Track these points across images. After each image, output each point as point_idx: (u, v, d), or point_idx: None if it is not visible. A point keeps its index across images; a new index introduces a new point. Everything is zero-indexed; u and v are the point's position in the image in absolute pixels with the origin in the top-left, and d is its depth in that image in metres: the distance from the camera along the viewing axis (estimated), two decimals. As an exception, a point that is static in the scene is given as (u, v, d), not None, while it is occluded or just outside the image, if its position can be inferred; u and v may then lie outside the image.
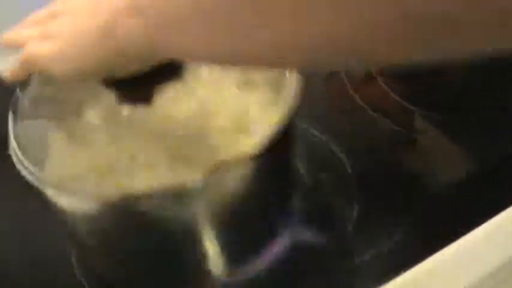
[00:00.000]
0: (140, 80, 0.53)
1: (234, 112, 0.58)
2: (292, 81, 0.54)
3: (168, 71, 0.54)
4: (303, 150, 0.66)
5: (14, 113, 0.58)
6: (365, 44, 0.34)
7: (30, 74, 0.58)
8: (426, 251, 0.58)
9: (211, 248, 0.57)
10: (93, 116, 0.62)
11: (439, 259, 0.58)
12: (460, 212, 0.64)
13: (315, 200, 0.66)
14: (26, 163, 0.54)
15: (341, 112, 0.78)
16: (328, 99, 0.80)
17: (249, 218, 0.57)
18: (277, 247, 0.61)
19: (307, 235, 0.63)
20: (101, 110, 0.62)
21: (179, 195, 0.51)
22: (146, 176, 0.56)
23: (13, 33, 0.57)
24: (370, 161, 0.71)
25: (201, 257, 0.58)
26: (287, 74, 0.55)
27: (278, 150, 0.54)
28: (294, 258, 0.61)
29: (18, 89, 0.60)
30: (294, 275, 0.61)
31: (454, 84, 0.79)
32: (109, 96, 0.57)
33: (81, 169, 0.58)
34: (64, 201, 0.55)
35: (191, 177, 0.51)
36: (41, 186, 0.53)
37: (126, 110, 0.60)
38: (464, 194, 0.66)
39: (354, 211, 0.64)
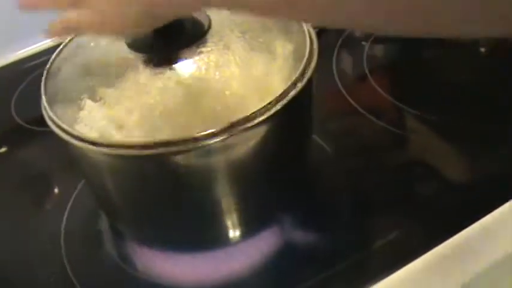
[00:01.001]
0: (164, 41, 0.58)
1: (254, 78, 0.61)
2: (308, 50, 0.59)
3: (190, 32, 0.59)
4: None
5: (48, 72, 0.62)
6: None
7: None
8: (420, 249, 0.59)
9: (227, 204, 0.59)
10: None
11: (431, 257, 0.59)
12: (453, 210, 0.64)
13: (308, 200, 0.67)
14: (56, 119, 0.57)
15: (333, 111, 0.80)
16: (320, 98, 0.80)
17: (263, 179, 0.59)
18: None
19: (301, 235, 0.64)
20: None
21: (198, 149, 0.53)
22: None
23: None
24: (362, 159, 0.72)
25: (217, 212, 0.59)
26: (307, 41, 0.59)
27: (294, 114, 0.58)
28: (289, 257, 0.62)
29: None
30: (289, 274, 0.61)
31: (447, 84, 0.81)
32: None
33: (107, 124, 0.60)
34: (91, 153, 0.56)
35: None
36: (71, 141, 0.55)
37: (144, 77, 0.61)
38: (457, 193, 0.66)
39: (346, 210, 0.65)
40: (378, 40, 0.91)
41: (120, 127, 0.60)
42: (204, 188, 0.57)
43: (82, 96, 0.61)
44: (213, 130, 0.52)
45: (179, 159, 0.54)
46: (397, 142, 0.74)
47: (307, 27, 0.60)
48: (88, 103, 0.61)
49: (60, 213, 0.70)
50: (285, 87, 0.55)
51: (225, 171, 0.56)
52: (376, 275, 0.58)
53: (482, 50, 0.87)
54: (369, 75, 0.84)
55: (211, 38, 0.61)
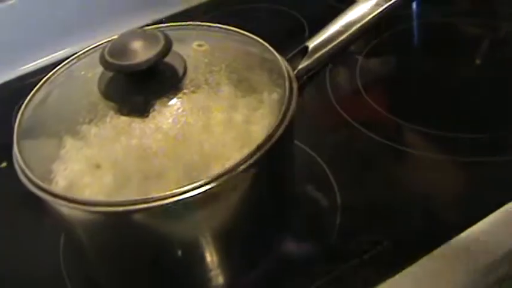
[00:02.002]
0: (139, 88, 0.57)
1: (236, 125, 0.61)
2: (288, 99, 0.59)
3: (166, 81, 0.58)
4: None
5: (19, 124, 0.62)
6: None
7: None
8: (409, 259, 0.60)
9: (210, 258, 0.59)
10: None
11: (420, 268, 0.60)
12: (444, 222, 0.65)
13: (300, 211, 0.68)
14: (29, 173, 0.57)
15: (326, 125, 0.81)
16: (314, 112, 0.81)
17: (246, 229, 0.59)
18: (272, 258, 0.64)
19: (295, 246, 0.65)
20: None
21: (177, 206, 0.53)
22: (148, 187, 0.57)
23: None
24: (355, 172, 0.73)
25: (199, 268, 0.60)
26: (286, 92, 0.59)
27: (274, 162, 0.58)
28: (282, 267, 0.63)
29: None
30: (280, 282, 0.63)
31: (441, 97, 0.82)
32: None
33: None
34: (65, 211, 0.56)
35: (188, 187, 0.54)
36: (42, 197, 0.55)
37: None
38: (450, 204, 0.68)
39: (337, 221, 0.66)
40: (371, 54, 0.92)
41: (97, 167, 0.60)
42: (179, 242, 0.57)
43: (60, 135, 0.61)
44: (184, 188, 0.53)
45: (146, 217, 0.54)
46: (391, 155, 0.75)
47: (290, 79, 0.61)
48: (68, 141, 0.62)
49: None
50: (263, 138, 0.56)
51: (202, 225, 0.57)
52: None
53: (478, 61, 0.89)
54: (362, 88, 0.85)
55: (189, 82, 0.62)
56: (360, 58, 0.92)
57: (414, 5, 1.01)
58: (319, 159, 0.73)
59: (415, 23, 1.01)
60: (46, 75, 0.68)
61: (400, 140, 0.76)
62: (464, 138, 0.74)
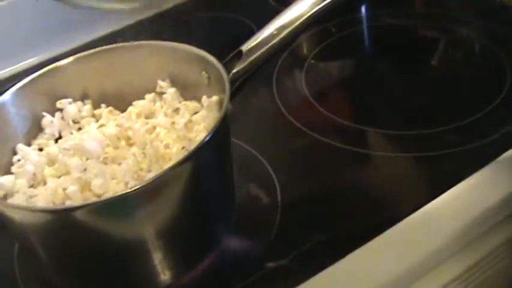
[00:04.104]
0: None
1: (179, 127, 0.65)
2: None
3: None
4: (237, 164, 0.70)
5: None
6: None
7: None
8: (347, 250, 0.62)
9: (153, 254, 0.61)
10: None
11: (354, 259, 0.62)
12: (382, 215, 0.67)
13: (242, 208, 0.70)
14: None
15: (271, 127, 0.84)
16: (259, 115, 0.84)
17: (187, 226, 0.62)
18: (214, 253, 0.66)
19: (237, 241, 0.67)
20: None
21: (119, 205, 0.56)
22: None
23: None
24: (297, 172, 0.75)
25: (144, 264, 0.62)
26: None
27: (212, 160, 0.61)
28: (224, 262, 0.66)
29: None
30: (222, 279, 0.65)
31: (387, 97, 0.85)
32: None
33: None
34: (15, 214, 0.58)
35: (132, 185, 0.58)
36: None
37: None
38: (390, 198, 0.70)
39: (277, 218, 0.68)
40: (319, 56, 0.95)
41: (52, 163, 0.66)
42: (122, 239, 0.59)
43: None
44: (127, 191, 0.55)
45: (88, 215, 0.56)
46: (334, 155, 0.76)
47: (227, 82, 0.63)
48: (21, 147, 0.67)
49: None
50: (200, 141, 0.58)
51: (144, 222, 0.59)
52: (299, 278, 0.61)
53: (432, 62, 0.91)
54: (307, 91, 0.87)
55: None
56: (308, 61, 0.94)
57: (363, 9, 1.03)
58: (262, 159, 0.75)
59: (364, 26, 1.03)
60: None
61: (344, 140, 0.77)
62: (406, 135, 0.77)
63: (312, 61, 0.94)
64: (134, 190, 0.54)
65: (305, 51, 0.97)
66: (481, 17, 0.97)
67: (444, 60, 0.92)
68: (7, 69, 1.05)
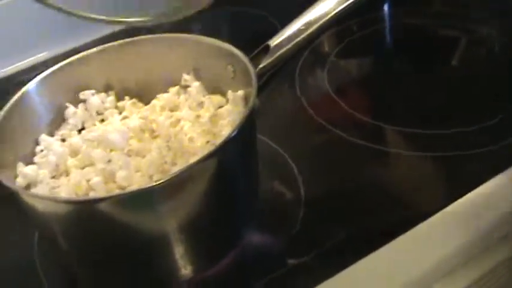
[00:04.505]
0: None
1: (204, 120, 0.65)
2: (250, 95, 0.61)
3: None
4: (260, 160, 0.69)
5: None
6: None
7: None
8: (369, 248, 0.62)
9: (176, 248, 0.60)
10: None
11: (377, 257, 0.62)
12: (406, 213, 0.67)
13: (266, 204, 0.70)
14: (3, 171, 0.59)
15: (295, 124, 0.83)
16: (283, 111, 0.83)
17: (211, 221, 0.61)
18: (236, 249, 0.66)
19: (259, 237, 0.67)
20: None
21: (144, 198, 0.56)
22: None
23: None
24: (320, 168, 0.75)
25: (166, 258, 0.61)
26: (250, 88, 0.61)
27: (238, 155, 0.60)
28: (246, 258, 0.65)
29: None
30: (244, 274, 0.65)
31: (411, 96, 0.84)
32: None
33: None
34: (36, 203, 0.58)
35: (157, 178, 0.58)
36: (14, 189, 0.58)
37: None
38: (413, 197, 0.69)
39: (300, 214, 0.68)
40: (342, 54, 0.94)
41: (75, 154, 0.66)
42: (146, 232, 0.59)
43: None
44: (152, 184, 0.55)
45: (112, 206, 0.56)
46: (357, 152, 0.76)
47: (252, 76, 0.62)
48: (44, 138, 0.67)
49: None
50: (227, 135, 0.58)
51: (168, 215, 0.58)
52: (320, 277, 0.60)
53: (452, 62, 0.91)
54: (330, 88, 0.86)
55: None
56: (331, 58, 0.94)
57: (386, 7, 1.03)
58: (285, 154, 0.75)
59: (387, 25, 1.03)
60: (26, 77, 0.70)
61: (366, 137, 0.77)
62: (427, 134, 0.76)
63: (334, 58, 0.94)
64: (160, 184, 0.54)
65: (327, 48, 0.97)
66: (500, 16, 0.96)
67: (464, 59, 0.91)
68: (29, 59, 1.05)
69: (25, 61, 1.06)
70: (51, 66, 0.71)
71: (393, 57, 0.96)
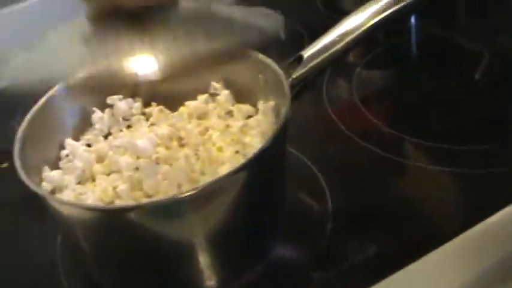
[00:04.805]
0: None
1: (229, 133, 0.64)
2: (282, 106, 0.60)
3: None
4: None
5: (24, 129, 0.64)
6: None
7: None
8: (398, 265, 0.60)
9: (203, 260, 0.60)
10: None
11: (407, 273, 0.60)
12: (434, 230, 0.66)
13: (293, 217, 0.68)
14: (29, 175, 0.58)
15: (322, 134, 0.82)
16: (310, 122, 0.83)
17: (238, 233, 0.60)
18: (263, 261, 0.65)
19: (286, 250, 0.66)
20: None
21: (172, 208, 0.55)
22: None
23: None
24: (347, 180, 0.74)
25: (192, 269, 0.61)
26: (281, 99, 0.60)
27: (267, 167, 0.59)
28: (272, 271, 0.64)
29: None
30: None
31: (438, 109, 0.83)
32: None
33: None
34: (63, 209, 0.58)
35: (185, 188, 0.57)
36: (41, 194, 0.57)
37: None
38: (442, 214, 0.68)
39: (328, 227, 0.67)
40: (369, 65, 0.94)
41: (101, 160, 0.65)
42: (173, 242, 0.58)
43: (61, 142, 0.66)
44: (183, 195, 0.54)
45: (140, 216, 0.55)
46: (384, 165, 0.76)
47: (285, 87, 0.62)
48: (69, 142, 0.66)
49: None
50: (260, 143, 0.58)
51: (195, 226, 0.58)
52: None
53: (476, 75, 0.90)
54: (358, 99, 0.86)
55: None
56: (358, 70, 0.93)
57: (413, 19, 1.02)
58: (313, 167, 0.74)
59: (413, 36, 1.02)
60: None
61: (394, 151, 0.76)
62: (457, 150, 0.75)
63: (361, 69, 0.93)
64: (190, 194, 0.53)
65: (354, 59, 0.96)
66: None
67: (492, 72, 0.90)
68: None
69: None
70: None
71: (419, 69, 0.95)
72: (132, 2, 0.62)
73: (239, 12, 0.71)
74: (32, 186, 0.56)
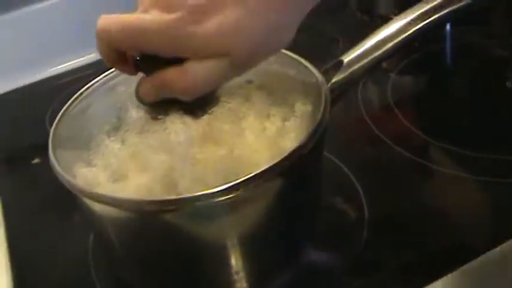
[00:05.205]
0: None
1: (266, 136, 0.63)
2: (321, 111, 0.60)
3: None
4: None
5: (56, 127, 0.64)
6: None
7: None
8: (432, 274, 0.60)
9: (235, 262, 0.59)
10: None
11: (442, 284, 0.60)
12: (469, 239, 0.66)
13: (328, 223, 0.69)
14: (63, 172, 0.58)
15: (357, 139, 0.81)
16: (345, 126, 0.82)
17: (272, 236, 0.60)
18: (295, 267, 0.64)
19: (319, 255, 0.66)
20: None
21: (206, 209, 0.55)
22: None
23: None
24: (383, 186, 0.74)
25: (224, 270, 0.60)
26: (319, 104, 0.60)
27: (303, 172, 0.59)
28: (305, 276, 0.64)
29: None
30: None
31: (472, 117, 0.83)
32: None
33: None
34: (96, 207, 0.58)
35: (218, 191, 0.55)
36: (74, 192, 0.57)
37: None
38: (476, 224, 0.68)
39: (364, 234, 0.67)
40: (404, 71, 0.93)
41: (135, 158, 0.64)
42: (206, 244, 0.58)
43: (97, 139, 0.65)
44: (214, 190, 0.54)
45: (175, 217, 0.55)
46: (420, 171, 0.76)
47: (324, 91, 0.61)
48: (104, 144, 0.66)
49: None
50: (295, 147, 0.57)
51: (229, 228, 0.58)
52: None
53: (508, 84, 0.89)
54: (393, 105, 0.85)
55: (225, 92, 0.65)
56: (393, 75, 0.93)
57: (448, 26, 1.01)
58: (348, 172, 0.74)
59: (448, 44, 1.01)
60: (78, 75, 0.69)
61: (429, 157, 0.76)
62: (490, 158, 0.75)
63: (396, 75, 0.92)
64: (225, 197, 0.53)
65: (388, 65, 0.95)
66: None
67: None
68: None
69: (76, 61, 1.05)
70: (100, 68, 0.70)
71: (453, 76, 0.94)
72: None
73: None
74: (70, 182, 0.56)
